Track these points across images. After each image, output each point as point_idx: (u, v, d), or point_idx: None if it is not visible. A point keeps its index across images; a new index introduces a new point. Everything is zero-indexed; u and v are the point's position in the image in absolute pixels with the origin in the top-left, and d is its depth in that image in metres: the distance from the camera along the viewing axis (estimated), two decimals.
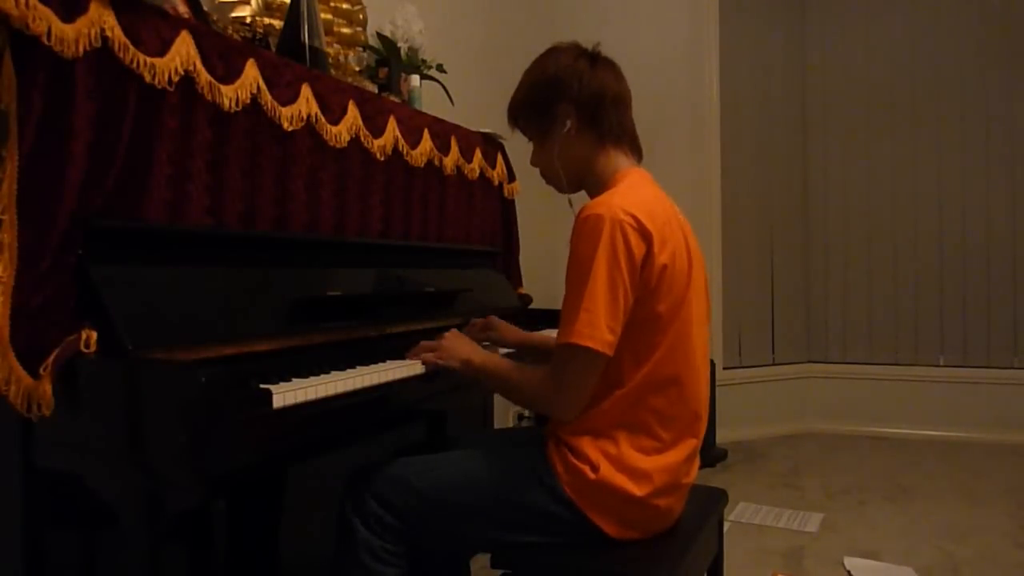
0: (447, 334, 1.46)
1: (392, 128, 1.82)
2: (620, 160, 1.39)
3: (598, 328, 1.19)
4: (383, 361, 1.40)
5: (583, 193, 1.43)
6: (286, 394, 1.08)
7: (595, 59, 1.40)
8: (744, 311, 4.12)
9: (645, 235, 1.22)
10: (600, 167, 1.38)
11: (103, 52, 1.11)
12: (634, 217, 1.22)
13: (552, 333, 1.39)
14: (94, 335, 1.04)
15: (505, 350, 1.67)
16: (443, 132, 2.08)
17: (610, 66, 1.41)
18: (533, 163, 1.47)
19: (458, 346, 1.42)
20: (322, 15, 1.84)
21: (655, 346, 1.26)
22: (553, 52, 1.41)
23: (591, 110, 1.36)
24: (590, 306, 1.19)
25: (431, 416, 2.06)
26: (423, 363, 1.40)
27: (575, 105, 1.36)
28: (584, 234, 1.23)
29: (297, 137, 1.54)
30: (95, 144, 1.11)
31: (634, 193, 1.29)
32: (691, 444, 1.33)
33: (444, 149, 2.08)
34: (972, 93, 4.02)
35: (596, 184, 1.38)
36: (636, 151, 1.43)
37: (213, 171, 1.35)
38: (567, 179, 1.42)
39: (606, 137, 1.37)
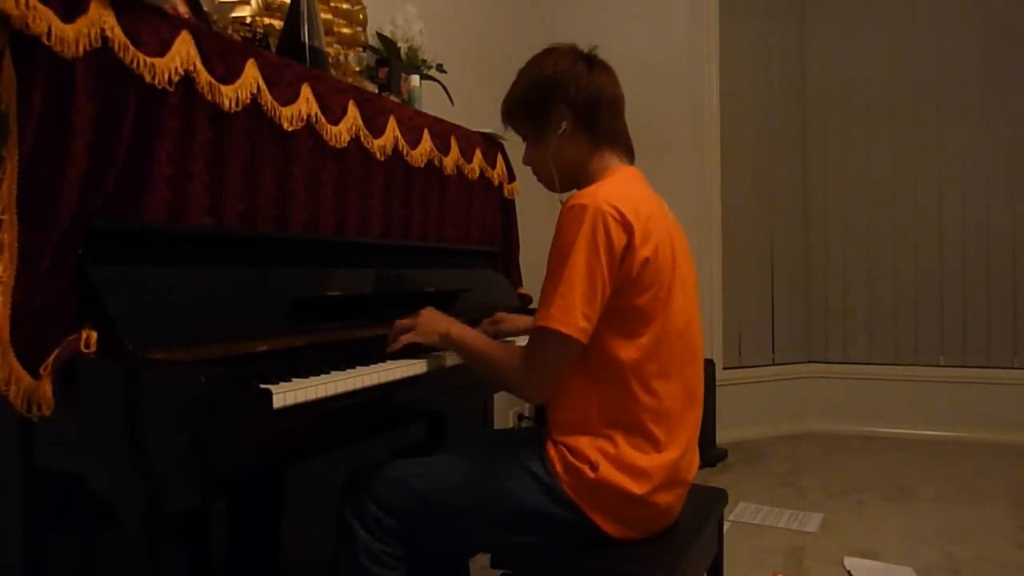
0: (424, 310, 1.46)
1: (392, 128, 1.82)
2: (613, 161, 1.41)
3: (572, 315, 1.21)
4: (383, 361, 1.40)
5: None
6: (286, 394, 1.08)
7: (592, 62, 1.40)
8: (744, 311, 4.11)
9: (627, 227, 1.23)
10: (592, 167, 1.40)
11: (103, 52, 1.11)
12: (617, 209, 1.23)
13: None
14: (94, 335, 1.04)
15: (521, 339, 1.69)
16: (443, 132, 2.08)
17: (607, 70, 1.41)
18: (526, 162, 1.48)
19: (436, 320, 1.42)
20: (322, 15, 1.84)
21: (639, 337, 1.27)
22: (551, 53, 1.42)
23: (587, 113, 1.37)
24: (566, 292, 1.21)
25: (431, 416, 2.06)
26: (402, 343, 1.41)
27: (572, 107, 1.37)
28: (567, 223, 1.24)
29: (297, 137, 1.54)
30: (95, 144, 1.11)
31: (620, 187, 1.30)
32: (687, 438, 1.34)
33: (444, 149, 2.08)
34: (972, 93, 4.01)
35: (588, 183, 1.38)
36: (629, 154, 1.45)
37: (213, 171, 1.35)
38: (560, 179, 1.44)
39: (601, 140, 1.39)
